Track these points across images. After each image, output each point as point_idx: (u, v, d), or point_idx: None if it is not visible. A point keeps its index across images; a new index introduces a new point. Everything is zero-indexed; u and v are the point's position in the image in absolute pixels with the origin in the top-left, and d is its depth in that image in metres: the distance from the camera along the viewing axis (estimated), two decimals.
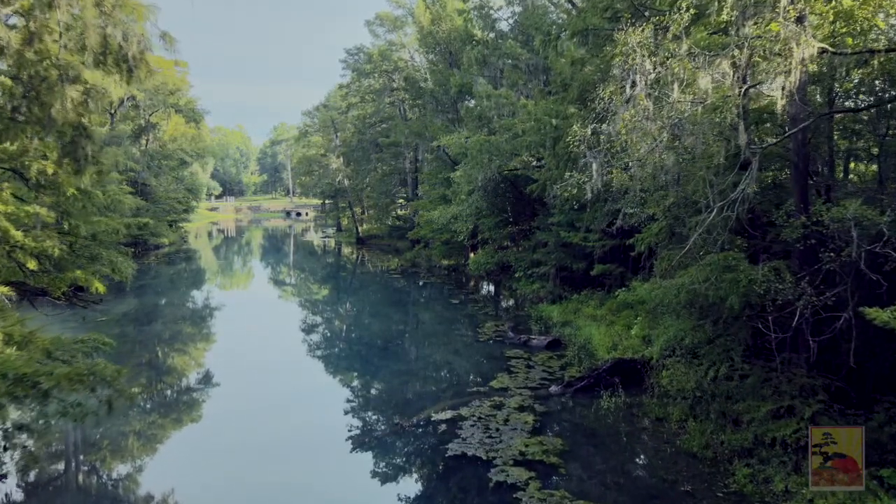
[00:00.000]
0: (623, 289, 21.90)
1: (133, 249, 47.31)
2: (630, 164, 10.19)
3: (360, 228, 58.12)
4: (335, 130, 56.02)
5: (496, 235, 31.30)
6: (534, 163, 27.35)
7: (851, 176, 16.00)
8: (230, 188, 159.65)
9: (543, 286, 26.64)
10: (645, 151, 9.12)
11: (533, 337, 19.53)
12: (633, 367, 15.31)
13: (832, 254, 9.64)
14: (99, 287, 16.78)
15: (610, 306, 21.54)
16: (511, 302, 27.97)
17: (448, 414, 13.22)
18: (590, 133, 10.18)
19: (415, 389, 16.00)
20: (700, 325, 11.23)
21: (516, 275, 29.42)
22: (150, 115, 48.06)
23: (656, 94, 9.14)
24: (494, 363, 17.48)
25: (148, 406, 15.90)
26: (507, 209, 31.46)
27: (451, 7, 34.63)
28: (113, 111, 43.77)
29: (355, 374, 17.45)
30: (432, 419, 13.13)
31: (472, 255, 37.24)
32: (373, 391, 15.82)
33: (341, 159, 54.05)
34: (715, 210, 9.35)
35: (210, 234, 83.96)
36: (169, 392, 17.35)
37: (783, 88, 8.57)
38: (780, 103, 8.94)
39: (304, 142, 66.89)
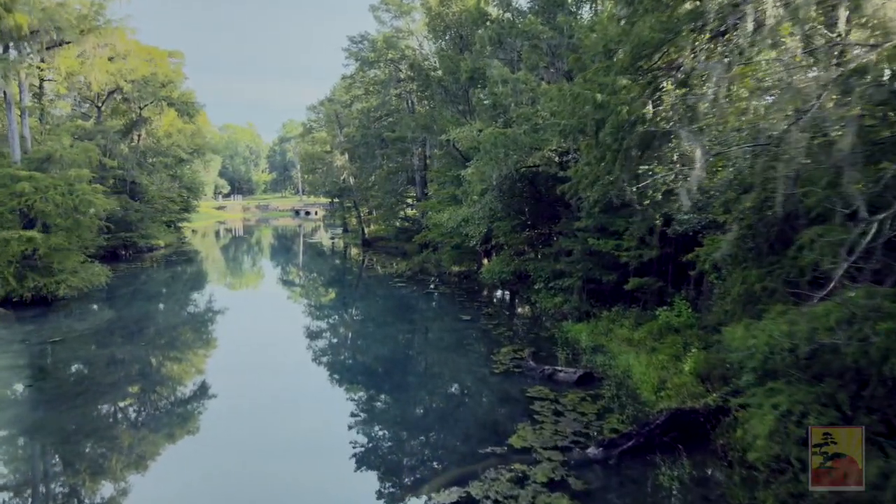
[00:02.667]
0: (664, 308, 18.57)
1: (126, 252, 44.47)
2: (737, 147, 6.70)
3: (366, 230, 54.81)
4: (339, 125, 52.67)
5: (512, 241, 27.80)
6: (556, 158, 23.85)
7: None
8: (239, 186, 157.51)
9: (567, 300, 23.14)
10: (785, 122, 5.62)
11: (559, 369, 16.00)
12: (694, 421, 11.79)
13: None
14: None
15: (649, 328, 18.02)
16: (529, 316, 24.44)
17: (453, 495, 9.77)
18: (675, 102, 6.67)
19: (412, 446, 12.54)
20: (830, 396, 7.68)
21: (535, 286, 25.93)
22: (141, 109, 45.00)
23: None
24: (513, 407, 14.00)
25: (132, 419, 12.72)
26: (524, 211, 27.96)
27: None
28: (100, 104, 40.83)
29: (345, 419, 13.96)
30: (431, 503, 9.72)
31: (485, 261, 33.80)
32: (360, 447, 12.37)
33: (346, 156, 50.74)
34: (872, 226, 5.83)
35: (217, 234, 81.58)
36: (153, 409, 14.19)
37: None
38: None
39: (308, 138, 63.68)
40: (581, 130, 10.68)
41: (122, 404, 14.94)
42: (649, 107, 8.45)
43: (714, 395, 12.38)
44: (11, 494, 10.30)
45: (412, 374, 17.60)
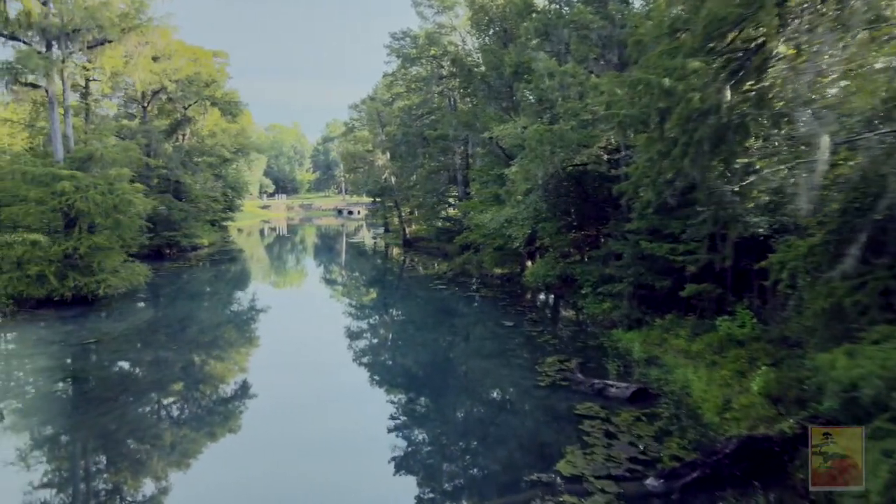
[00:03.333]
0: (725, 317, 17.08)
1: (170, 251, 44.89)
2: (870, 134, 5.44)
3: (407, 230, 54.11)
4: (381, 124, 52.08)
5: (558, 243, 26.52)
6: (605, 156, 22.51)
7: None
8: (284, 186, 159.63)
9: (617, 306, 21.78)
10: None
11: (610, 383, 14.74)
12: (769, 451, 10.43)
13: None
14: None
15: (708, 340, 16.57)
16: (575, 322, 23.14)
17: None
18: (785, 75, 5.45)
19: (450, 467, 11.54)
20: None
21: (582, 291, 24.60)
22: (185, 109, 45.35)
23: None
24: (561, 426, 12.84)
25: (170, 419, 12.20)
26: (569, 212, 26.65)
27: None
28: (145, 104, 41.23)
29: (383, 425, 13.10)
30: None
31: (528, 263, 32.56)
32: (397, 458, 11.47)
33: (387, 155, 50.10)
34: None
35: (262, 233, 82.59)
36: (190, 410, 13.70)
37: None
38: None
39: (350, 137, 63.42)
40: (642, 122, 9.48)
41: (159, 404, 14.42)
42: (726, 92, 7.22)
43: (790, 420, 10.97)
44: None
45: (452, 382, 16.60)
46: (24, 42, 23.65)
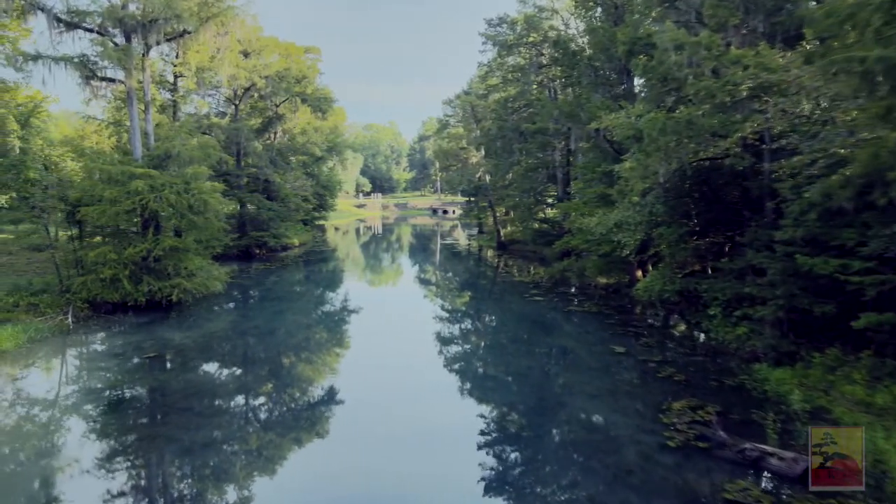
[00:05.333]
0: None
1: (259, 251, 44.32)
2: None
3: (501, 231, 50.95)
4: (475, 119, 49.15)
5: (678, 252, 22.43)
6: (737, 149, 18.28)
7: None
8: (380, 185, 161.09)
9: (757, 333, 17.66)
10: None
11: (770, 451, 10.90)
12: None
13: None
14: None
15: None
16: (703, 351, 19.09)
17: None
18: None
19: None
20: None
21: (709, 311, 20.50)
22: (277, 107, 44.58)
23: None
24: None
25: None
26: (690, 216, 22.50)
27: None
28: (237, 101, 40.64)
29: (465, 464, 10.22)
30: None
31: (638, 273, 28.53)
32: None
33: (481, 152, 47.17)
34: None
35: (357, 231, 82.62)
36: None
37: None
38: None
39: (444, 134, 61.08)
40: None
41: (212, 439, 12.24)
42: None
43: None
44: None
45: (547, 432, 13.28)
46: (100, 33, 22.72)
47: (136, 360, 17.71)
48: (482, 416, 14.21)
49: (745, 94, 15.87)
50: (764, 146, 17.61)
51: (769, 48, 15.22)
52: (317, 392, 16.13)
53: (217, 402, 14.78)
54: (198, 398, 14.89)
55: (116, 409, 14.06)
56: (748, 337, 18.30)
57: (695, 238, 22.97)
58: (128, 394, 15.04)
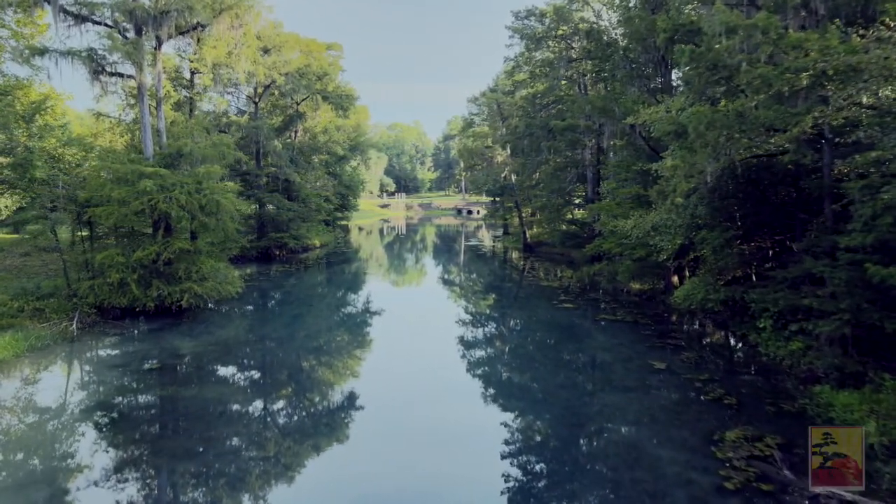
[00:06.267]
0: None
1: (279, 252, 43.33)
2: None
3: (527, 233, 49.28)
4: (501, 117, 47.54)
5: (723, 258, 20.64)
6: (792, 147, 16.44)
7: None
8: (405, 184, 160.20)
9: (816, 349, 15.90)
10: None
11: (847, 497, 9.25)
12: None
13: None
14: None
15: None
16: (753, 367, 17.33)
17: None
18: None
19: None
20: None
21: (758, 323, 18.72)
22: (297, 105, 43.54)
23: None
24: None
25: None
26: (734, 218, 20.70)
27: None
28: (256, 99, 39.64)
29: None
30: None
31: (674, 279, 26.75)
32: None
33: (507, 151, 45.54)
34: None
35: (381, 232, 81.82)
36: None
37: None
38: None
39: (469, 132, 59.51)
40: None
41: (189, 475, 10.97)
42: None
43: None
44: None
45: (582, 462, 11.76)
46: (108, 26, 21.75)
47: (135, 374, 16.56)
48: (508, 442, 12.71)
49: (805, 82, 14.12)
50: (823, 141, 15.85)
51: (836, 30, 13.46)
52: (335, 401, 14.84)
53: (221, 425, 13.53)
54: (200, 420, 13.68)
55: (104, 435, 12.90)
56: (803, 352, 16.53)
57: (739, 242, 21.20)
58: (117, 414, 13.88)
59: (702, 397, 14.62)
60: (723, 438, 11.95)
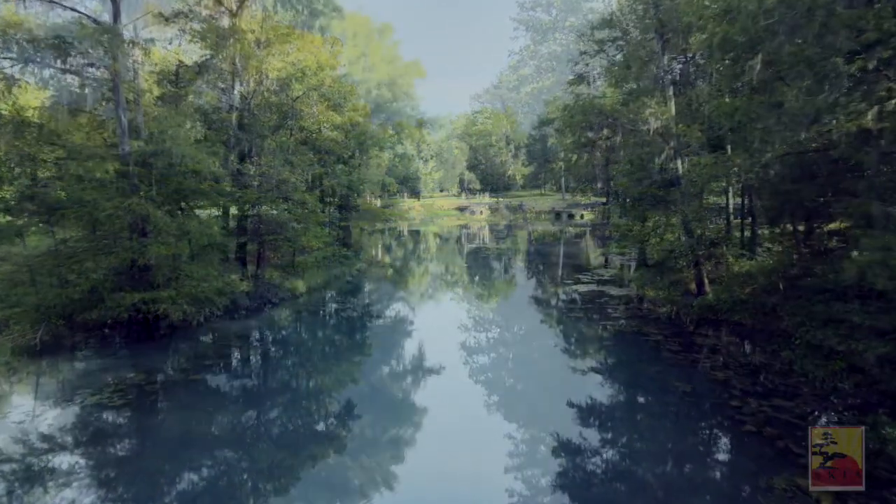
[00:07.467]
0: None
1: (273, 256, 41.34)
2: None
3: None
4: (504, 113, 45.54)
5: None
6: (837, 138, 14.54)
7: None
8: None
9: (864, 373, 14.04)
10: None
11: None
12: None
13: None
14: None
15: None
16: (792, 391, 15.40)
17: None
18: None
19: None
20: None
21: (794, 337, 16.88)
22: (294, 101, 41.59)
23: None
24: None
25: None
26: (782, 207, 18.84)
27: None
28: (249, 95, 37.78)
29: None
30: None
31: (691, 286, 24.89)
32: None
33: (511, 148, 43.66)
34: None
35: (382, 233, 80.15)
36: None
37: None
38: None
39: (472, 130, 57.53)
40: None
41: None
42: None
43: None
44: None
45: None
46: (77, 11, 19.89)
47: (83, 406, 14.56)
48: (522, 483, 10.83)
49: (851, 69, 12.29)
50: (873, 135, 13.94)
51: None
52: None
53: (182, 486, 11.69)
54: (146, 480, 11.85)
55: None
56: (846, 375, 14.65)
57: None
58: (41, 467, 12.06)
59: (738, 429, 12.69)
60: (770, 486, 10.03)
